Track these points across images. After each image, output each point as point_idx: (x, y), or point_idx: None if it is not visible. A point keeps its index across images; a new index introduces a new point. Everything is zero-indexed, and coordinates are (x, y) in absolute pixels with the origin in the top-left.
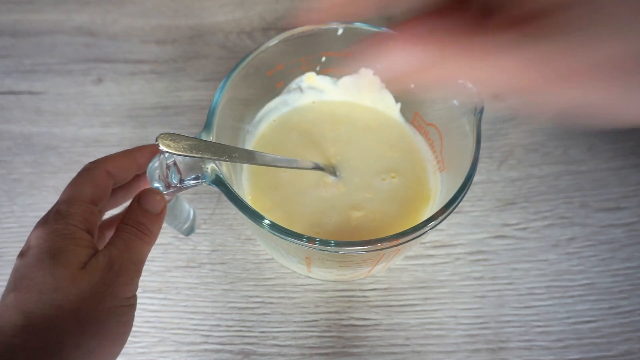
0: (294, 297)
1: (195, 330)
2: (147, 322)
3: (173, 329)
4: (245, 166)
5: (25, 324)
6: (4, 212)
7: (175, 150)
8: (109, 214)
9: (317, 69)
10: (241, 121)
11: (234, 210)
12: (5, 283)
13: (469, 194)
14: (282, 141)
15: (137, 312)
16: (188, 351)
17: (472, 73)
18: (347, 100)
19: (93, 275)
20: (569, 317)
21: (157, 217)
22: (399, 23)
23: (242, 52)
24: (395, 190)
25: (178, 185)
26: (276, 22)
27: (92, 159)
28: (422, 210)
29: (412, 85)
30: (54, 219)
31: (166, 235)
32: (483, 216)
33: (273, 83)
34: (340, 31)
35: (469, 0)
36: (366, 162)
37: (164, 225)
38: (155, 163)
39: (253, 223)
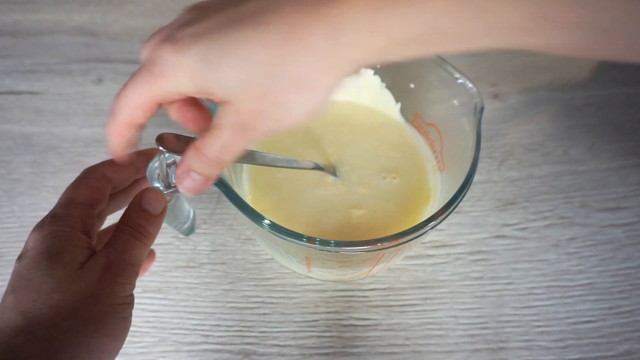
0: (294, 297)
1: (195, 330)
2: (147, 322)
3: (173, 329)
4: (245, 166)
5: (25, 324)
6: (4, 212)
7: (174, 150)
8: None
9: None
10: None
11: (234, 210)
12: (5, 283)
13: (469, 194)
14: (282, 142)
15: (137, 312)
16: (188, 351)
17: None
18: (347, 100)
19: (91, 275)
20: (569, 317)
21: (157, 218)
22: None
23: None
24: (395, 190)
25: None
26: None
27: (92, 159)
28: (422, 210)
29: (412, 85)
30: (51, 222)
31: (166, 235)
32: (483, 216)
33: None
34: None
35: None
36: (366, 162)
37: (164, 225)
38: (155, 163)
39: (253, 223)
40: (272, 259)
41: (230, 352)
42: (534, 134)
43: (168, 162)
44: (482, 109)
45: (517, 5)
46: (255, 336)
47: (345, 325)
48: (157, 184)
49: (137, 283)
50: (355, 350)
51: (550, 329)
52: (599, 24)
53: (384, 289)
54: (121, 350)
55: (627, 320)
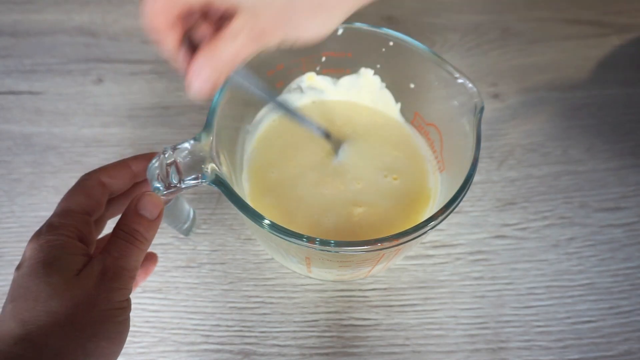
0: (294, 297)
1: (195, 330)
2: (147, 322)
3: (173, 329)
4: (245, 166)
5: (23, 333)
6: (4, 212)
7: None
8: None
9: (317, 69)
10: (241, 121)
11: (234, 210)
12: (4, 283)
13: (469, 194)
14: (282, 142)
15: (137, 312)
16: (188, 351)
17: None
18: (347, 100)
19: (87, 282)
20: (568, 317)
21: (153, 223)
22: None
23: None
24: (395, 190)
25: (178, 185)
26: None
27: (92, 159)
28: (422, 210)
29: (412, 85)
30: (47, 231)
31: (166, 235)
32: (483, 216)
33: (273, 83)
34: (340, 31)
35: None
36: (366, 162)
37: (164, 225)
38: (155, 163)
39: (253, 223)
40: (272, 259)
41: (230, 352)
42: (533, 134)
43: (168, 162)
44: (482, 109)
45: None
46: (255, 336)
47: (345, 325)
48: (157, 184)
49: None
50: (355, 350)
51: (550, 329)
52: None
53: (384, 289)
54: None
55: (627, 320)
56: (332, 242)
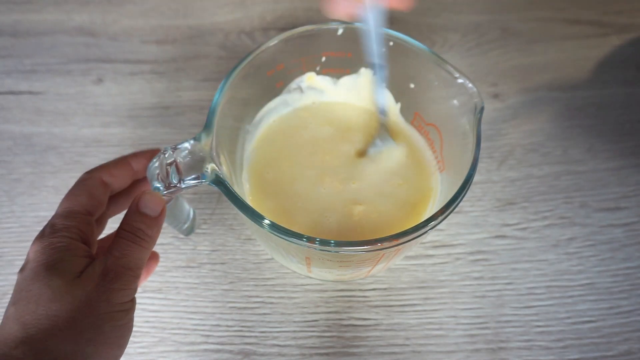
0: (294, 297)
1: (195, 330)
2: (147, 322)
3: (173, 329)
4: (245, 166)
5: (24, 336)
6: (4, 212)
7: None
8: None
9: (317, 69)
10: (241, 121)
11: (234, 210)
12: (4, 283)
13: (469, 194)
14: (282, 142)
15: (137, 312)
16: (188, 351)
17: None
18: (347, 101)
19: (87, 284)
20: (568, 317)
21: (156, 220)
22: None
23: (242, 52)
24: (395, 190)
25: (178, 185)
26: (276, 22)
27: (92, 159)
28: (422, 210)
29: (412, 85)
30: (50, 233)
31: (166, 235)
32: (483, 216)
33: (273, 83)
34: (340, 31)
35: None
36: (366, 162)
37: (164, 225)
38: (155, 163)
39: (253, 223)
40: (272, 259)
41: (230, 352)
42: (533, 134)
43: (168, 162)
44: (482, 109)
45: None
46: (255, 336)
47: (345, 325)
48: (157, 184)
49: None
50: (355, 350)
51: (550, 329)
52: None
53: (384, 289)
54: None
55: (627, 320)
56: (332, 242)
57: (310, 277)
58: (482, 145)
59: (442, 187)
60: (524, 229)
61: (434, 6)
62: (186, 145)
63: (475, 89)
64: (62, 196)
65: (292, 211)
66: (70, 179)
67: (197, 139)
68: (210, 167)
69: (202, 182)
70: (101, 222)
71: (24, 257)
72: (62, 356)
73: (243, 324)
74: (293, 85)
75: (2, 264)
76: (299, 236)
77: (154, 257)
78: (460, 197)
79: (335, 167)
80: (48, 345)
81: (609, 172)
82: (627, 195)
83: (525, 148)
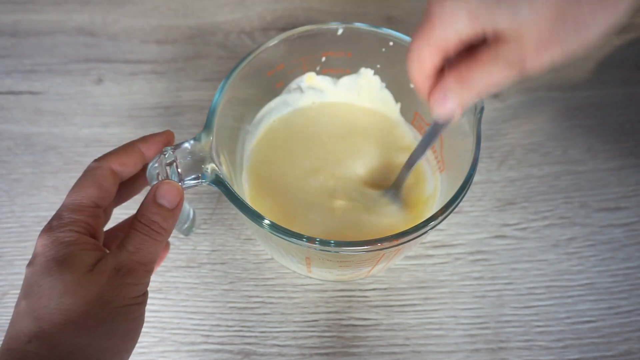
0: (294, 297)
1: (195, 330)
2: (147, 322)
3: (173, 329)
4: (245, 166)
5: (37, 330)
6: (4, 212)
7: None
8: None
9: (317, 69)
10: (241, 121)
11: (234, 210)
12: (4, 283)
13: (469, 194)
14: (282, 142)
15: None
16: (188, 351)
17: None
18: (347, 101)
19: (100, 278)
20: (568, 317)
21: (172, 212)
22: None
23: (242, 52)
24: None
25: None
26: (276, 22)
27: (92, 159)
28: (422, 210)
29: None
30: (58, 227)
31: None
32: (483, 216)
33: (273, 83)
34: (340, 31)
35: None
36: (366, 162)
37: None
38: (155, 163)
39: (253, 223)
40: (272, 259)
41: (230, 352)
42: (533, 134)
43: (168, 162)
44: (482, 109)
45: None
46: (255, 336)
47: (345, 325)
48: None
49: None
50: (355, 350)
51: (550, 329)
52: None
53: (384, 289)
54: None
55: (626, 320)
56: (332, 242)
57: (310, 277)
58: (482, 145)
59: (442, 187)
60: (524, 229)
61: None
62: (186, 145)
63: None
64: (62, 196)
65: (292, 211)
66: (70, 179)
67: (197, 139)
68: (210, 167)
69: (202, 182)
70: (107, 212)
71: (24, 257)
72: (76, 350)
73: (243, 324)
74: (293, 85)
75: (2, 264)
76: (299, 236)
77: (165, 246)
78: (460, 197)
79: (335, 167)
80: (62, 339)
81: (609, 172)
82: (627, 195)
83: (525, 148)
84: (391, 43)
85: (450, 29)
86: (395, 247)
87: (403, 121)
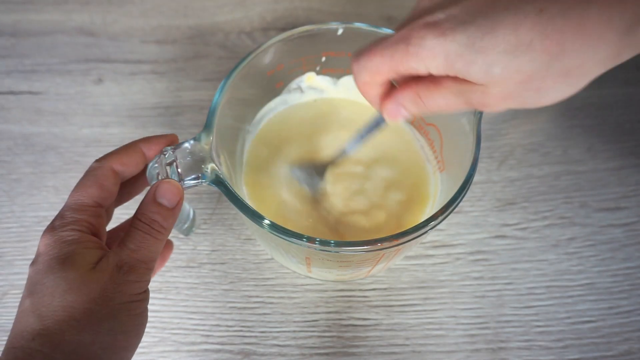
0: (294, 297)
1: (195, 330)
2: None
3: (173, 329)
4: (245, 166)
5: (41, 328)
6: (4, 212)
7: None
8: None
9: (317, 69)
10: (241, 121)
11: (234, 210)
12: (4, 283)
13: (469, 194)
14: (281, 138)
15: None
16: (188, 351)
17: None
18: (348, 98)
19: (102, 276)
20: (568, 317)
21: (172, 211)
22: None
23: (242, 52)
24: (395, 190)
25: None
26: (276, 22)
27: (92, 159)
28: (422, 210)
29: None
30: (60, 226)
31: None
32: (483, 216)
33: (273, 83)
34: (340, 31)
35: None
36: (366, 161)
37: None
38: (155, 163)
39: (253, 223)
40: (272, 259)
41: (230, 352)
42: (533, 134)
43: (168, 162)
44: None
45: None
46: (255, 336)
47: (345, 325)
48: None
49: None
50: (355, 350)
51: (550, 329)
52: None
53: (384, 289)
54: None
55: (626, 320)
56: (332, 242)
57: (310, 277)
58: (482, 145)
59: (442, 187)
60: (524, 229)
61: None
62: (186, 145)
63: None
64: (62, 196)
65: (292, 211)
66: (70, 179)
67: (197, 139)
68: (210, 167)
69: (202, 182)
70: (108, 212)
71: (24, 257)
72: (79, 347)
73: (243, 324)
74: (293, 85)
75: (2, 264)
76: (299, 236)
77: (168, 245)
78: (460, 197)
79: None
80: (65, 336)
81: (609, 172)
82: (627, 195)
83: (525, 148)
84: None
85: (422, 66)
86: (395, 247)
87: (403, 121)
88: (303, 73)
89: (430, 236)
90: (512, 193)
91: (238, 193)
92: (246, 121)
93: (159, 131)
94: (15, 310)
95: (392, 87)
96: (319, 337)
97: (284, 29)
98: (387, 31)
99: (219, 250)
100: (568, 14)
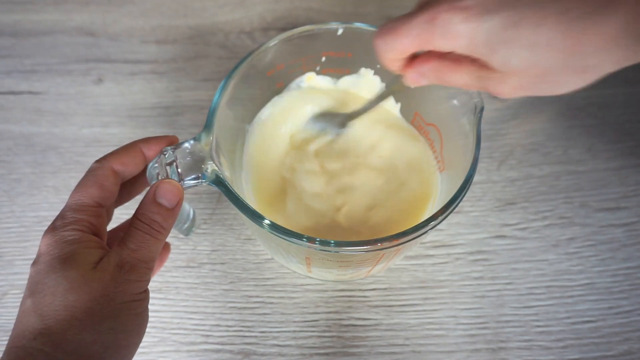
0: (294, 297)
1: (195, 330)
2: None
3: (173, 329)
4: (245, 166)
5: (42, 327)
6: (4, 212)
7: None
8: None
9: (317, 69)
10: (241, 121)
11: (234, 210)
12: (4, 283)
13: (469, 194)
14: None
15: None
16: (188, 351)
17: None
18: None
19: (104, 275)
20: (568, 317)
21: (172, 212)
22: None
23: (242, 52)
24: (395, 190)
25: None
26: (276, 22)
27: (92, 159)
28: (422, 210)
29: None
30: (61, 226)
31: None
32: (483, 216)
33: (273, 83)
34: (340, 31)
35: None
36: (366, 161)
37: None
38: (155, 163)
39: (253, 223)
40: (272, 259)
41: (230, 352)
42: (533, 134)
43: (168, 162)
44: (482, 109)
45: None
46: (255, 336)
47: (345, 325)
48: None
49: None
50: (355, 350)
51: (550, 329)
52: None
53: (384, 289)
54: None
55: (626, 320)
56: (332, 242)
57: (310, 277)
58: (482, 145)
59: (442, 187)
60: (524, 229)
61: None
62: (186, 145)
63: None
64: (62, 196)
65: (292, 210)
66: (70, 179)
67: (197, 139)
68: (210, 167)
69: (202, 182)
70: (109, 212)
71: (25, 257)
72: (81, 346)
73: (243, 324)
74: (293, 85)
75: (2, 264)
76: (299, 236)
77: (166, 247)
78: (460, 197)
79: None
80: (67, 336)
81: (609, 172)
82: (627, 195)
83: (525, 148)
84: None
85: (446, 45)
86: (395, 247)
87: (403, 121)
88: (303, 73)
89: (430, 236)
90: (512, 193)
91: (238, 193)
92: (246, 121)
93: (158, 131)
94: (16, 310)
95: (414, 56)
96: (319, 337)
97: (284, 29)
98: None
99: (219, 250)
100: (592, 17)
